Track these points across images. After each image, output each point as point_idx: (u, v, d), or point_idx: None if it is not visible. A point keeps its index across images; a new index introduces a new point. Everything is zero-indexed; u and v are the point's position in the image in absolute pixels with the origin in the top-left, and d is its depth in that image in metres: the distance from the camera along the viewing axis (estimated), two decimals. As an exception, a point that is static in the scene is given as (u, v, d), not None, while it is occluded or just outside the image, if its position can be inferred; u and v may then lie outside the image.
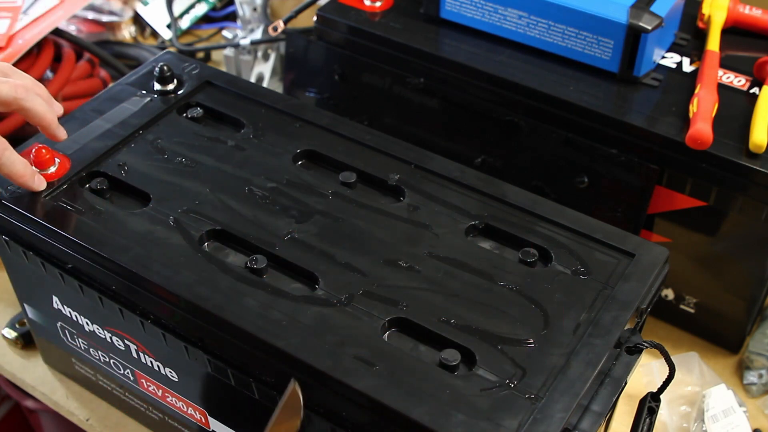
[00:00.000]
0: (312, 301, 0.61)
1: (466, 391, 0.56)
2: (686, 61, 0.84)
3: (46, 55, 1.03)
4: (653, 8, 0.79)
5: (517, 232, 0.66)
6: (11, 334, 0.87)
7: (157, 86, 0.79)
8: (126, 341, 0.70)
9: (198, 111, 0.77)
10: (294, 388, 0.57)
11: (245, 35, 1.18)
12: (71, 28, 1.21)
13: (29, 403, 1.11)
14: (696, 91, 0.77)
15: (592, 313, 0.61)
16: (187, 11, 1.29)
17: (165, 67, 0.78)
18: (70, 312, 0.73)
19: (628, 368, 0.60)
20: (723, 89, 0.80)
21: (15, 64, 0.93)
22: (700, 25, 0.87)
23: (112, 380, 0.78)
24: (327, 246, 0.65)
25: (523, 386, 0.56)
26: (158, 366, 0.70)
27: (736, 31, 0.86)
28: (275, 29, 0.94)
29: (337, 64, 0.93)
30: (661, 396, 0.63)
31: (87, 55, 1.10)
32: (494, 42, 0.86)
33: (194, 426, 0.73)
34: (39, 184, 0.69)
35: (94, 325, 0.72)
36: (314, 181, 0.71)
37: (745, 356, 0.85)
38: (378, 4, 0.92)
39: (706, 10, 0.86)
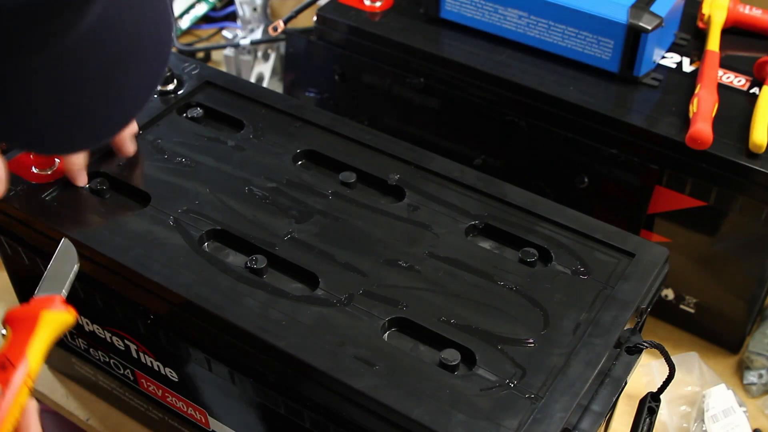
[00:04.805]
0: (312, 301, 0.61)
1: (466, 391, 0.55)
2: (686, 61, 0.84)
3: (46, 55, 1.03)
4: (653, 8, 0.79)
5: (517, 232, 0.66)
6: (11, 334, 0.87)
7: (157, 86, 0.78)
8: (126, 341, 0.70)
9: (198, 111, 0.77)
10: (65, 243, 0.62)
11: (245, 35, 1.18)
12: (71, 28, 1.21)
13: (29, 403, 1.11)
14: (696, 91, 0.77)
15: (592, 313, 0.61)
16: (187, 11, 1.29)
17: (165, 67, 0.78)
18: (70, 312, 0.73)
19: (628, 368, 0.60)
20: (723, 89, 0.80)
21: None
22: (700, 25, 0.87)
23: (112, 380, 0.78)
24: (327, 246, 0.65)
25: (523, 386, 0.56)
26: (158, 366, 0.70)
27: (736, 31, 0.86)
28: (275, 29, 0.94)
29: (337, 64, 0.93)
30: (661, 396, 0.63)
31: (87, 55, 1.10)
32: (494, 42, 0.86)
33: (194, 426, 0.73)
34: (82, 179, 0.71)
35: (94, 325, 0.72)
36: (314, 181, 0.71)
37: (745, 356, 0.85)
38: (378, 4, 0.92)
39: (706, 10, 0.86)
